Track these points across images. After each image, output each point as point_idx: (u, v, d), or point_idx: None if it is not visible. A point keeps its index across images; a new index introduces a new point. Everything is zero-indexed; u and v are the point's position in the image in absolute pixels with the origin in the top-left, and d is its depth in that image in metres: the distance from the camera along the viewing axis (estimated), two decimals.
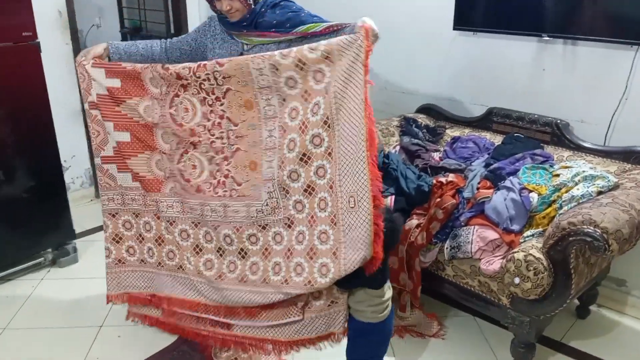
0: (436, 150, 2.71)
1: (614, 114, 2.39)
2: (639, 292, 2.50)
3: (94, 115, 1.98)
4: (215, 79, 1.82)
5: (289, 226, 1.83)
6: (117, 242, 2.09)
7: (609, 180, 2.06)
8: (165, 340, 2.24)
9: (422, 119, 2.92)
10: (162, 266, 2.08)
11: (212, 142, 1.89)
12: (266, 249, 1.90)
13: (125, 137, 1.97)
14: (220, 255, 1.97)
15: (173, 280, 2.07)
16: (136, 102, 1.93)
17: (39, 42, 2.52)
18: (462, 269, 2.15)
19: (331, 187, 1.70)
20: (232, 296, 1.97)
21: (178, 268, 2.05)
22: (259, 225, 1.89)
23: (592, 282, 2.24)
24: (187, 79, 1.85)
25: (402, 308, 2.34)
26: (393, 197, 2.34)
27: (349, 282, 1.76)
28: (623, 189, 2.04)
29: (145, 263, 2.10)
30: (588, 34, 2.37)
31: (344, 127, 1.66)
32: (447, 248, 2.16)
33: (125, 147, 1.98)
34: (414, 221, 2.25)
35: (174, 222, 2.01)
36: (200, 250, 2.00)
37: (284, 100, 1.76)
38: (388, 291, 1.83)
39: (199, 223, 1.97)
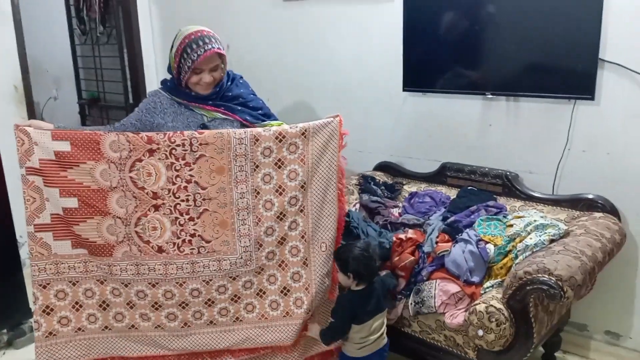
0: (395, 206, 2.77)
1: (559, 164, 2.51)
2: (600, 335, 2.55)
3: (31, 181, 1.91)
4: (191, 145, 1.92)
5: (259, 273, 2.04)
6: (48, 314, 2.00)
7: (559, 228, 2.14)
8: None
9: (380, 176, 3.00)
10: (110, 329, 2.04)
11: (177, 204, 1.95)
12: (235, 295, 2.05)
13: (72, 203, 1.92)
14: (184, 308, 2.02)
15: (125, 340, 2.06)
16: (91, 167, 1.91)
17: None
18: (427, 324, 2.16)
19: (303, 237, 2.05)
20: (200, 340, 2.06)
21: (129, 328, 2.04)
22: (230, 277, 2.02)
23: (554, 329, 2.27)
24: (157, 144, 1.91)
25: None
26: None
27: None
28: (573, 235, 2.12)
29: (83, 331, 2.03)
30: (528, 90, 2.52)
31: (317, 191, 2.02)
32: (411, 304, 2.18)
33: (73, 213, 1.93)
34: None
35: (128, 284, 2.00)
36: (160, 307, 2.02)
37: (257, 166, 1.97)
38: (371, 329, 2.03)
39: (156, 284, 1.99)
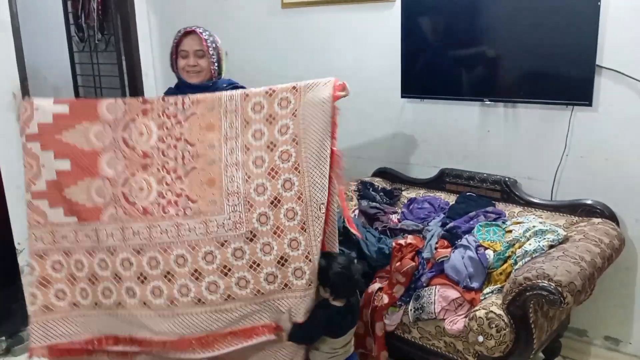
0: (394, 212, 2.77)
1: (557, 170, 2.52)
2: (600, 341, 2.56)
3: (29, 147, 1.92)
4: (183, 102, 1.93)
5: (251, 240, 1.90)
6: (45, 285, 1.94)
7: (558, 234, 2.14)
8: None
9: (379, 182, 3.00)
10: (99, 306, 1.97)
11: (165, 162, 1.93)
12: (225, 267, 1.91)
13: (65, 165, 1.93)
14: (169, 280, 1.91)
15: (115, 319, 1.98)
16: (86, 127, 1.93)
17: None
18: (427, 330, 2.16)
19: (299, 198, 1.90)
20: (188, 322, 1.92)
21: (117, 305, 1.96)
22: (218, 242, 1.91)
23: (553, 335, 2.28)
24: (152, 104, 1.94)
25: None
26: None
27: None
28: (572, 241, 2.13)
29: (78, 306, 1.97)
30: (525, 97, 2.53)
31: (311, 145, 1.88)
32: (411, 310, 2.18)
33: (65, 176, 1.93)
34: (376, 285, 2.27)
35: (114, 251, 1.93)
36: (145, 278, 1.93)
37: (247, 123, 1.92)
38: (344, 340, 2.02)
39: (141, 250, 1.93)
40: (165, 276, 1.91)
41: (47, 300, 1.94)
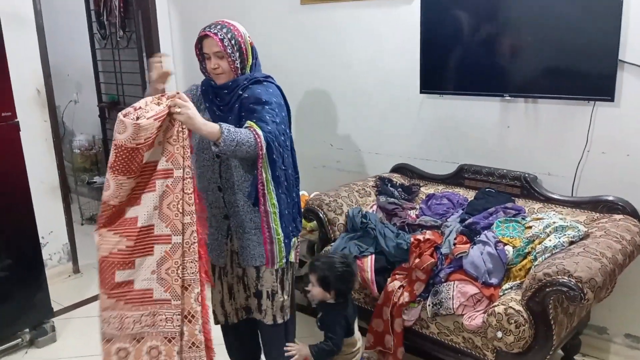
0: (412, 208, 2.77)
1: (578, 166, 2.50)
2: (621, 338, 2.53)
3: None
4: None
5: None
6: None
7: (579, 230, 2.13)
8: None
9: (397, 178, 3.00)
10: None
11: None
12: None
13: None
14: None
15: None
16: None
17: (18, 122, 2.56)
18: (445, 325, 2.16)
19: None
20: None
21: None
22: None
23: (573, 332, 2.26)
24: None
25: None
26: (373, 256, 2.38)
27: None
28: (593, 237, 2.11)
29: None
30: (546, 92, 2.51)
31: None
32: (429, 305, 2.18)
33: None
34: (396, 282, 2.27)
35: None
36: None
37: None
38: None
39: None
40: None
41: None
